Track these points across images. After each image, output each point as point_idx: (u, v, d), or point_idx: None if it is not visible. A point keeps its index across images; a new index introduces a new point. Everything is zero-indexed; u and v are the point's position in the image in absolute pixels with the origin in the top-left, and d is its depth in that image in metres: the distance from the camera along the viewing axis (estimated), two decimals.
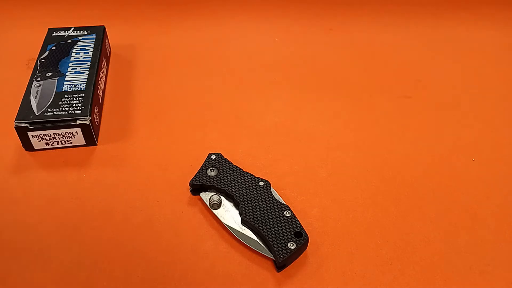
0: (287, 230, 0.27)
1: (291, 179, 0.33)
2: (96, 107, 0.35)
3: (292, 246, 0.27)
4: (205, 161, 0.31)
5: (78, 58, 0.38)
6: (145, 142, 0.35)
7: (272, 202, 0.29)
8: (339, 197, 0.32)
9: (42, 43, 0.40)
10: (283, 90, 0.41)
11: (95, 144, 0.34)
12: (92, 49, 0.39)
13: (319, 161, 0.34)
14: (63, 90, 0.34)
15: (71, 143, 0.33)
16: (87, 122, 0.32)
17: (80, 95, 0.34)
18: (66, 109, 0.33)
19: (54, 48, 0.39)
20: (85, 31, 0.41)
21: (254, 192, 0.29)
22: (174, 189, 0.31)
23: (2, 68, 0.42)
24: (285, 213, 0.28)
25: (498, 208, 0.31)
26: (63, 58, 0.38)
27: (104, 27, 0.42)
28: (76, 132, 0.32)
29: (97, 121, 0.35)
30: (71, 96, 0.34)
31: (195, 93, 0.40)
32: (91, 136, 0.33)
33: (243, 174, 0.30)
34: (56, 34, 0.41)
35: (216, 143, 0.35)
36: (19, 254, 0.27)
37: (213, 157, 0.32)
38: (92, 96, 0.34)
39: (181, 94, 0.40)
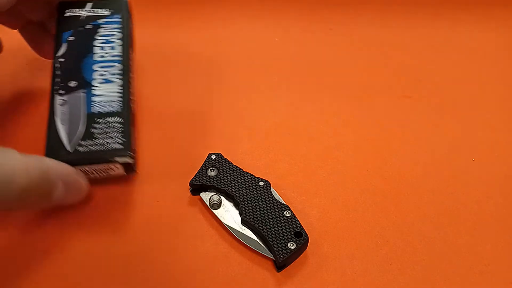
0: (287, 230, 0.27)
1: (291, 179, 0.33)
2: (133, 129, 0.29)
3: (292, 246, 0.27)
4: (205, 161, 0.31)
5: (104, 56, 0.30)
6: (145, 142, 0.35)
7: (272, 202, 0.29)
8: (339, 197, 0.32)
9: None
10: (283, 90, 0.41)
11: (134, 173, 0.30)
12: (119, 41, 0.31)
13: (319, 161, 0.34)
14: (94, 111, 0.27)
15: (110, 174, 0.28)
16: (130, 160, 0.27)
17: (116, 120, 0.27)
18: (102, 141, 0.26)
19: (73, 38, 0.30)
20: (106, 8, 0.32)
21: (254, 192, 0.29)
22: (174, 189, 0.31)
23: None
24: (285, 213, 0.28)
25: (498, 208, 0.31)
26: (86, 57, 0.30)
27: (127, 1, 0.33)
28: (117, 167, 0.28)
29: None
30: (104, 120, 0.27)
31: (195, 93, 0.40)
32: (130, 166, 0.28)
33: (243, 174, 0.30)
34: (71, 13, 0.31)
35: (216, 143, 0.35)
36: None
37: (213, 157, 0.32)
38: (129, 119, 0.28)
39: (181, 94, 0.40)
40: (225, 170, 0.31)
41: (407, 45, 0.48)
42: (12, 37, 0.34)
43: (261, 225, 0.27)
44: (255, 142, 0.35)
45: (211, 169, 0.31)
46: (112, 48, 0.30)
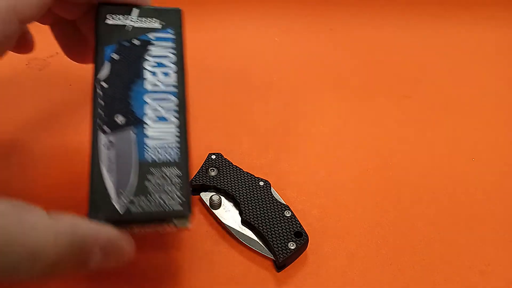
0: (287, 230, 0.27)
1: (291, 179, 0.33)
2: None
3: (292, 246, 0.27)
4: (205, 161, 0.31)
5: (157, 85, 0.24)
6: None
7: (272, 202, 0.29)
8: (339, 197, 0.32)
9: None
10: (282, 89, 0.41)
11: None
12: (174, 66, 0.25)
13: (319, 161, 0.34)
14: (147, 160, 0.22)
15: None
16: (189, 225, 0.22)
17: (173, 172, 0.22)
18: (158, 199, 0.21)
19: (117, 57, 0.24)
20: (156, 19, 0.25)
21: (254, 192, 0.29)
22: None
23: None
24: (285, 213, 0.28)
25: (498, 208, 0.31)
26: (134, 83, 0.23)
27: (181, 12, 0.27)
28: (170, 227, 0.23)
29: None
30: (160, 171, 0.22)
31: (195, 93, 0.40)
32: None
33: (243, 174, 0.30)
34: (113, 21, 0.24)
35: (216, 143, 0.35)
36: None
37: (213, 157, 0.32)
38: (188, 171, 0.23)
39: None
40: (225, 170, 0.31)
41: (407, 45, 0.48)
42: None
43: (261, 225, 0.27)
44: (255, 142, 0.35)
45: (211, 169, 0.31)
46: (166, 74, 0.24)
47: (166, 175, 0.22)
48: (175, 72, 0.24)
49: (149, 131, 0.23)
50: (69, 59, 0.30)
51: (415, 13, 0.53)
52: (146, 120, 0.23)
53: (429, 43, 0.49)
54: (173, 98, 0.24)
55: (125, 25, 0.24)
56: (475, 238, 0.29)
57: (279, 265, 0.27)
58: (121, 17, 0.25)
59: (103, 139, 0.22)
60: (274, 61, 0.45)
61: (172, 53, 0.25)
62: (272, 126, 0.37)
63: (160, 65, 0.24)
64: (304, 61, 0.45)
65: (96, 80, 0.23)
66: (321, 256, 0.28)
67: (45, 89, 0.38)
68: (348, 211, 0.31)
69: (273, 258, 0.27)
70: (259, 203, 0.29)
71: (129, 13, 0.25)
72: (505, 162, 0.35)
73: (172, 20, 0.26)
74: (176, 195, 0.22)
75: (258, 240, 0.28)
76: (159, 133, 0.23)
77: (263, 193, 0.29)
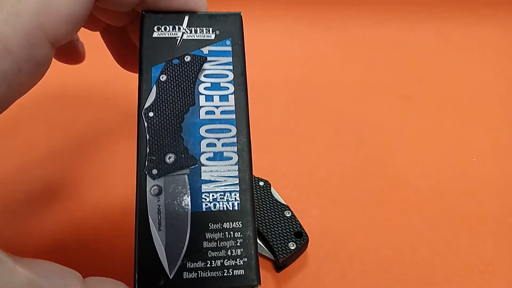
0: (287, 230, 0.27)
1: (291, 179, 0.33)
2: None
3: (292, 246, 0.27)
4: None
5: (214, 112, 0.20)
6: None
7: (272, 202, 0.29)
8: (339, 197, 0.32)
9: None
10: (282, 89, 0.41)
11: None
12: (232, 86, 0.20)
13: (319, 161, 0.34)
14: (204, 210, 0.18)
15: None
16: None
17: (234, 226, 0.18)
18: (217, 262, 0.18)
19: (165, 78, 0.20)
20: (209, 27, 0.21)
21: (254, 192, 0.29)
22: None
23: None
24: (285, 213, 0.28)
25: (498, 208, 0.31)
26: (187, 112, 0.19)
27: (241, 17, 0.23)
28: None
29: None
30: (219, 226, 0.18)
31: None
32: None
33: None
34: (159, 34, 0.20)
35: None
36: None
37: None
38: (254, 222, 0.19)
39: None
40: None
41: (407, 45, 0.48)
42: None
43: (261, 225, 0.27)
44: (255, 142, 0.35)
45: None
46: (224, 98, 0.20)
47: (226, 230, 0.18)
48: (232, 94, 0.20)
49: (205, 174, 0.19)
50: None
51: (415, 13, 0.53)
52: (202, 159, 0.19)
53: (429, 43, 0.49)
54: (232, 127, 0.20)
55: (175, 38, 0.20)
56: (475, 238, 0.29)
57: (279, 266, 0.27)
58: (169, 28, 0.20)
59: (151, 184, 0.18)
60: (272, 61, 0.45)
61: (230, 71, 0.20)
62: (272, 126, 0.37)
63: (216, 87, 0.20)
64: (304, 61, 0.45)
65: (142, 109, 0.19)
66: (321, 256, 0.28)
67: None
68: (348, 211, 0.31)
69: (273, 258, 0.27)
70: (259, 203, 0.29)
71: (179, 22, 0.20)
72: (505, 162, 0.35)
73: (230, 28, 0.21)
74: (239, 256, 0.18)
75: (258, 240, 0.28)
76: (217, 175, 0.19)
77: (263, 193, 0.29)
